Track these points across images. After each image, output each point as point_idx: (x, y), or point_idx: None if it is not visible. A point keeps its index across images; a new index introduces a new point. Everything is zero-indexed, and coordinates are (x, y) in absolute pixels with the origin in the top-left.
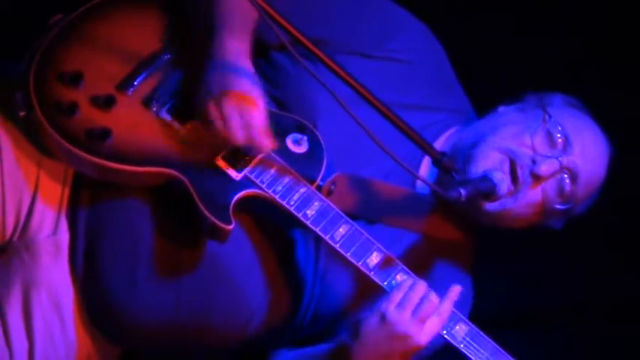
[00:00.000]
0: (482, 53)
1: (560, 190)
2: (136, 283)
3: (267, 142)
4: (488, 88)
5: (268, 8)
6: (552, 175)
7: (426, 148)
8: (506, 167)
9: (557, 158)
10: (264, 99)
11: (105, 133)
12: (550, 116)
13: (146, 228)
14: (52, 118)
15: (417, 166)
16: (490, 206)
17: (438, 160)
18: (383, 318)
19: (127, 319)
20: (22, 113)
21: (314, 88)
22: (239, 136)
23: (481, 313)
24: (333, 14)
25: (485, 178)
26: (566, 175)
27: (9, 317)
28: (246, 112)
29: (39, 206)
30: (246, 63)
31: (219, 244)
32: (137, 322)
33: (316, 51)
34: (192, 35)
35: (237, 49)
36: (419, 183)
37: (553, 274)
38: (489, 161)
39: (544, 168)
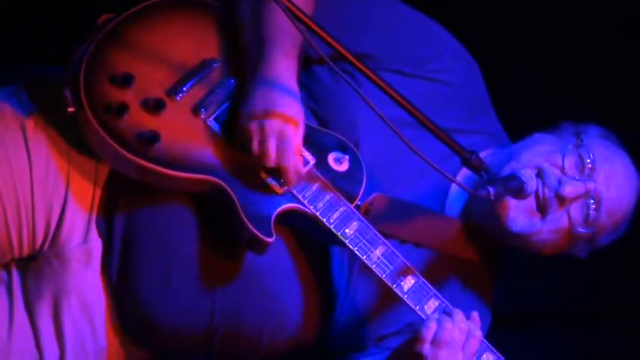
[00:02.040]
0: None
1: (585, 216)
2: (170, 291)
3: (297, 168)
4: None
5: (310, 22)
6: (576, 197)
7: (455, 147)
8: (534, 185)
9: (583, 182)
10: (304, 123)
11: (154, 136)
12: (583, 142)
13: (183, 236)
14: (101, 118)
15: (451, 183)
16: (517, 227)
17: (466, 159)
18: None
19: (159, 327)
20: (70, 109)
21: (354, 104)
22: (272, 161)
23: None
24: (376, 30)
25: (514, 176)
26: (592, 201)
27: (40, 325)
28: (285, 135)
29: (69, 213)
30: (292, 84)
31: (257, 256)
32: (169, 329)
33: (360, 66)
34: (241, 48)
35: (285, 69)
36: (448, 206)
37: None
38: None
39: (568, 189)
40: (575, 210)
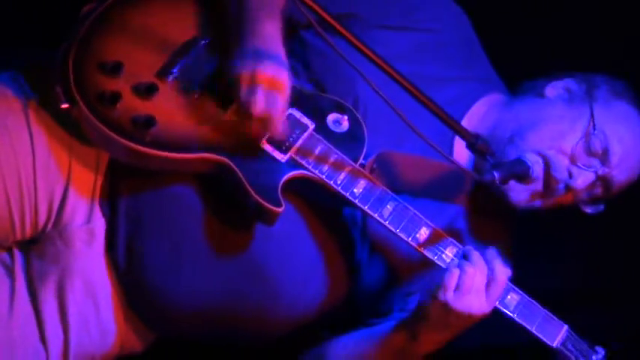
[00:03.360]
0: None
1: (591, 194)
2: (179, 270)
3: (278, 128)
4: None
5: None
6: (587, 187)
7: (460, 131)
8: (540, 170)
9: (594, 171)
10: (290, 90)
11: (149, 120)
12: (594, 125)
13: (189, 215)
14: (95, 109)
15: (451, 143)
16: (520, 201)
17: (471, 143)
18: (445, 307)
19: (169, 306)
20: (63, 106)
21: (349, 67)
22: (259, 107)
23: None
24: None
25: (520, 160)
26: (599, 183)
27: (43, 307)
28: (274, 90)
29: (72, 195)
30: (278, 46)
31: (267, 227)
32: (180, 308)
33: (343, 30)
34: (224, 18)
35: (269, 33)
36: (456, 154)
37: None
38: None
39: (580, 182)
40: (584, 192)
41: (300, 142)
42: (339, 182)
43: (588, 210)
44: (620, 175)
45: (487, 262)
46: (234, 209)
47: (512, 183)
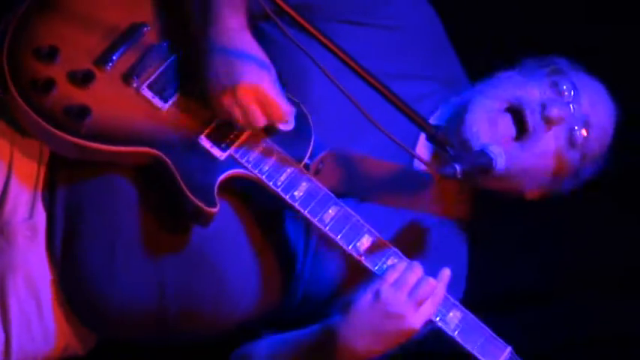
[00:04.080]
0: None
1: (571, 140)
2: (116, 268)
3: (287, 117)
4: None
5: None
6: (563, 119)
7: (419, 121)
8: (507, 117)
9: (566, 104)
10: (271, 70)
11: (83, 111)
12: (555, 69)
13: (127, 210)
14: (27, 97)
15: (414, 143)
16: (501, 165)
17: (431, 134)
18: (377, 296)
19: (106, 306)
20: None
21: (305, 59)
22: (262, 121)
23: (475, 294)
24: None
25: (482, 152)
26: (576, 127)
27: None
28: (262, 94)
29: (13, 189)
30: (248, 38)
31: (204, 229)
32: (118, 308)
33: (301, 20)
34: (180, 7)
35: (236, 25)
36: (417, 160)
37: (550, 253)
38: (484, 111)
39: (555, 110)
40: (561, 132)
41: (241, 139)
42: (279, 184)
43: (568, 184)
44: (594, 115)
45: (437, 280)
46: (173, 206)
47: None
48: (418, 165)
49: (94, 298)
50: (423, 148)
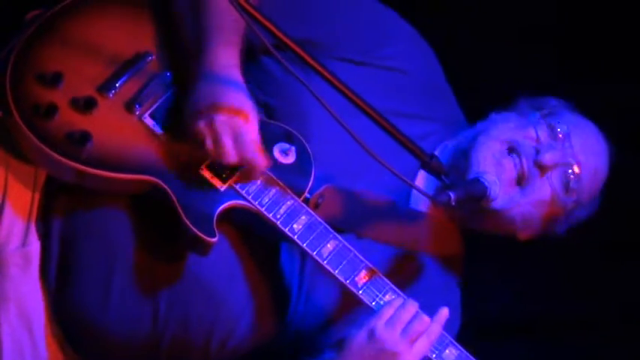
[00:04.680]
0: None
1: (567, 184)
2: (110, 297)
3: (261, 161)
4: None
5: (251, 9)
6: (555, 165)
7: (414, 150)
8: (507, 158)
9: (560, 149)
10: (255, 112)
11: (85, 137)
12: (549, 112)
13: (123, 238)
14: (29, 121)
15: (412, 179)
16: (496, 203)
17: (426, 162)
18: (371, 334)
19: (100, 336)
20: None
21: (306, 94)
22: (232, 157)
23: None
24: (322, 15)
25: (476, 180)
26: (570, 171)
27: None
28: (238, 128)
29: (7, 216)
30: (236, 74)
31: (201, 258)
32: (111, 337)
33: (302, 53)
34: (178, 39)
35: (227, 59)
36: (413, 198)
37: (546, 280)
38: (491, 150)
39: (548, 156)
40: (556, 178)
41: (242, 170)
42: (278, 216)
43: (563, 227)
44: (586, 158)
45: (434, 319)
46: (170, 235)
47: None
48: (415, 203)
49: (88, 328)
50: (420, 184)
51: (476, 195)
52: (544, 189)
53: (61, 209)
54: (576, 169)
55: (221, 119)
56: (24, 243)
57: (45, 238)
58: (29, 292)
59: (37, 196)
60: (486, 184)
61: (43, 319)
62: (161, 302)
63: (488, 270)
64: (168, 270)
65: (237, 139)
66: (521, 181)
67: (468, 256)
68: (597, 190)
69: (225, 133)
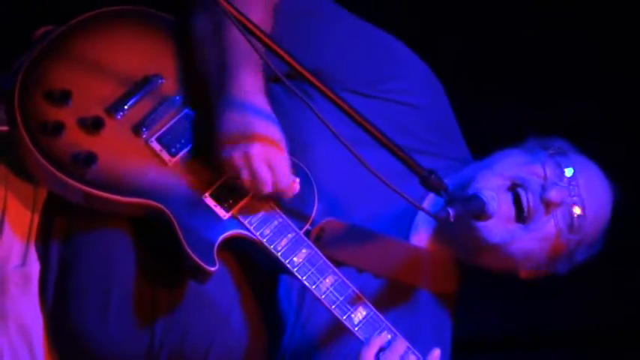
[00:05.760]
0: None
1: (571, 223)
2: (107, 321)
3: (292, 189)
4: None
5: (265, 38)
6: (562, 203)
7: (413, 165)
8: (505, 194)
9: (567, 187)
10: (285, 140)
11: (90, 158)
12: (557, 152)
13: (122, 262)
14: (36, 138)
15: (415, 210)
16: (496, 237)
17: (424, 177)
18: None
19: (97, 355)
20: (2, 128)
21: (310, 124)
22: (269, 188)
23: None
24: (335, 47)
25: (475, 196)
26: (575, 210)
27: None
28: (273, 161)
29: (6, 235)
30: (263, 101)
31: (200, 284)
32: (109, 356)
33: (315, 81)
34: (199, 63)
35: (253, 85)
36: (413, 234)
37: (540, 297)
38: (490, 184)
39: (554, 193)
40: (562, 216)
41: (245, 200)
42: (279, 248)
43: (565, 267)
44: (591, 198)
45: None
46: (170, 261)
47: (481, 224)
48: (415, 239)
49: (85, 350)
50: (429, 203)
51: (474, 211)
52: (549, 226)
53: (61, 230)
54: (581, 209)
55: (256, 149)
56: (23, 262)
57: (44, 258)
58: (29, 311)
59: (36, 217)
60: (485, 199)
61: (43, 338)
62: (158, 326)
63: (472, 285)
64: (167, 294)
65: (273, 169)
66: (522, 216)
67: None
68: (600, 232)
69: (262, 164)
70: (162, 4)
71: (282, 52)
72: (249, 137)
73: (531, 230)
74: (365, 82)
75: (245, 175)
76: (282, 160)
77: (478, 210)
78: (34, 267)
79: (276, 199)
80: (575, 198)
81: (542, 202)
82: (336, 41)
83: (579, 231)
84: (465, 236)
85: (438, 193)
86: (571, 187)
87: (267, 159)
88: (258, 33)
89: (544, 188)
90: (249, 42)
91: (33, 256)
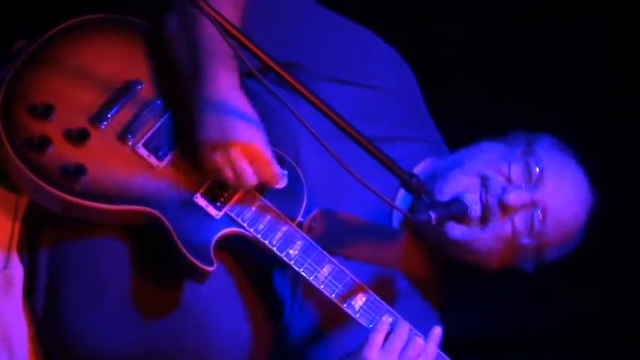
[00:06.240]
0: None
1: (530, 226)
2: (100, 327)
3: (278, 179)
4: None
5: (236, 32)
6: (521, 207)
7: (395, 169)
8: (478, 192)
9: (529, 191)
10: (264, 134)
11: (79, 169)
12: (533, 151)
13: (114, 268)
14: (22, 154)
15: (393, 199)
16: (455, 234)
17: (406, 181)
18: None
19: (88, 358)
20: None
21: (290, 118)
22: (252, 181)
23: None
24: (306, 37)
25: (457, 200)
26: (539, 212)
27: None
28: (254, 156)
29: None
30: (239, 97)
31: (194, 285)
32: None
33: (287, 76)
34: (173, 64)
35: (228, 84)
36: (395, 218)
37: (527, 298)
38: (461, 184)
39: (512, 197)
40: (519, 219)
41: (235, 197)
42: (274, 242)
43: (529, 264)
44: (555, 203)
45: (428, 339)
46: (163, 264)
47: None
48: (397, 224)
49: (76, 356)
50: (400, 203)
51: (456, 214)
52: (505, 227)
53: (49, 236)
54: (542, 213)
55: (236, 150)
56: (6, 265)
57: (31, 265)
58: (11, 315)
59: (17, 225)
60: (467, 203)
61: (26, 341)
62: (152, 331)
63: (463, 286)
64: (160, 298)
65: (255, 165)
66: (483, 215)
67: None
68: (568, 236)
69: (243, 162)
70: (134, 10)
71: (254, 48)
72: (228, 138)
73: (489, 230)
74: (338, 69)
75: (229, 174)
76: (262, 153)
77: (460, 214)
78: (17, 270)
79: (265, 190)
80: (536, 202)
81: (500, 205)
82: (306, 32)
83: (540, 234)
84: (432, 231)
85: (419, 196)
86: (535, 189)
87: (248, 155)
88: (230, 29)
89: (504, 191)
90: (224, 38)
91: (15, 260)
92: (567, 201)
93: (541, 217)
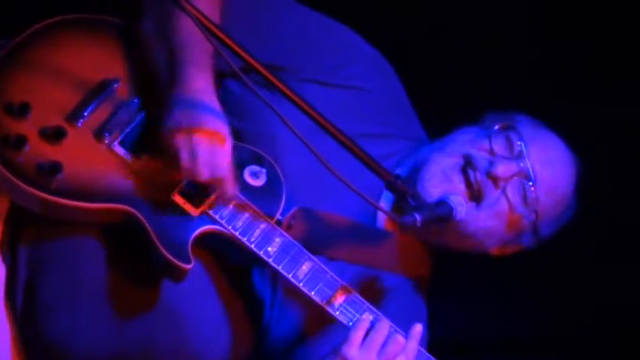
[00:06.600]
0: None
1: (524, 196)
2: (79, 326)
3: (229, 187)
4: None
5: (218, 31)
6: (510, 176)
7: (379, 171)
8: (457, 174)
9: (515, 161)
10: (231, 138)
11: (55, 167)
12: (509, 124)
13: (92, 267)
14: None
15: (377, 199)
16: (460, 214)
17: (391, 183)
18: None
19: (67, 357)
20: None
21: (274, 117)
22: (204, 173)
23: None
24: (288, 40)
25: (443, 202)
26: (530, 183)
27: None
28: (214, 148)
29: None
30: (212, 99)
31: (172, 284)
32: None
33: (271, 77)
34: (149, 63)
35: (201, 83)
36: (379, 218)
37: (513, 300)
38: (444, 164)
39: (500, 169)
40: (512, 190)
41: (213, 195)
42: (252, 240)
43: (528, 239)
44: (543, 170)
45: (409, 337)
46: (141, 264)
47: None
48: (381, 223)
49: (54, 354)
50: (384, 203)
51: (442, 216)
52: (501, 201)
53: (29, 235)
54: (532, 182)
55: (200, 135)
56: None
57: (12, 263)
58: None
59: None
60: (452, 205)
61: (8, 341)
62: (129, 329)
63: (454, 289)
64: (139, 296)
65: (211, 157)
66: (476, 194)
67: (434, 276)
68: (561, 203)
69: (202, 148)
70: (110, 9)
71: (237, 48)
72: (194, 123)
73: (485, 208)
74: (318, 71)
75: (184, 155)
76: (223, 152)
77: (445, 215)
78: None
79: (244, 187)
80: (524, 171)
81: (489, 177)
82: (287, 33)
83: (534, 203)
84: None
85: (403, 197)
86: (520, 160)
87: (209, 147)
88: (212, 28)
89: (491, 163)
90: (207, 37)
91: None
92: (554, 168)
93: (532, 185)
